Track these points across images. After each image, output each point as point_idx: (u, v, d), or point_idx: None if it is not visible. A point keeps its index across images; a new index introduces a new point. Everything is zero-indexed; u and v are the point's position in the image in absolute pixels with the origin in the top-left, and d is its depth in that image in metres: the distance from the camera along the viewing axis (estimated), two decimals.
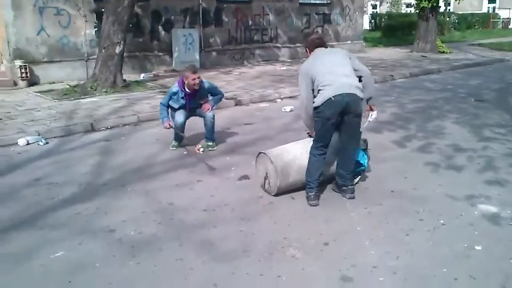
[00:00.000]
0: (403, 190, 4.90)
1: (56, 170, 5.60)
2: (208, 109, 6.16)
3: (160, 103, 6.21)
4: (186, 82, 5.93)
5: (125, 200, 4.71)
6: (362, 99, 4.41)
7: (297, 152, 4.76)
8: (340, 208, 4.47)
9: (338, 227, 4.08)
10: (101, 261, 3.54)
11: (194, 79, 5.85)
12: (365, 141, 4.99)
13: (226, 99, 9.35)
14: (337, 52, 4.66)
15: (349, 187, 4.67)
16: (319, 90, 4.33)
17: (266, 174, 4.78)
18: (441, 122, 7.76)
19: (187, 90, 5.98)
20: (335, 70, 4.36)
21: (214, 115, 6.27)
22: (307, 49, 4.70)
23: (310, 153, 4.59)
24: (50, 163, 5.86)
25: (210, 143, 6.34)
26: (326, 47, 4.72)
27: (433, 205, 4.52)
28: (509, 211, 4.37)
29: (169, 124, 6.02)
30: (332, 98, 4.24)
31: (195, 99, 6.11)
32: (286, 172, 4.64)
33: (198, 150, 6.17)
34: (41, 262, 3.54)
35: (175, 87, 6.06)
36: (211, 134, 6.35)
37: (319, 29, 17.57)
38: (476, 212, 4.37)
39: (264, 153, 4.81)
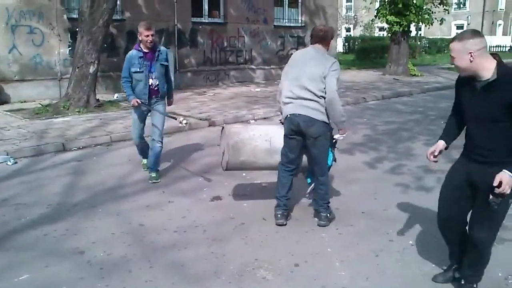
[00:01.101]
0: (374, 210, 4.96)
1: (25, 190, 5.50)
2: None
3: (122, 78, 5.63)
4: (140, 39, 5.52)
5: (96, 221, 4.65)
6: (323, 121, 4.32)
7: (257, 133, 4.66)
8: (311, 229, 4.50)
9: (309, 248, 4.10)
10: (68, 284, 3.48)
11: (148, 35, 5.42)
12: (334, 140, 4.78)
13: (200, 119, 9.41)
14: (314, 64, 4.33)
15: (322, 214, 4.59)
16: (283, 102, 4.49)
17: (224, 150, 4.73)
18: (411, 144, 7.92)
19: (144, 50, 5.55)
20: (297, 88, 4.35)
21: (162, 146, 5.86)
22: (311, 36, 4.57)
23: (279, 168, 4.63)
24: (18, 183, 5.75)
25: (153, 174, 5.85)
26: (328, 42, 4.51)
27: (403, 225, 4.58)
28: None
29: (137, 101, 5.59)
30: (289, 116, 4.38)
31: (155, 61, 5.60)
32: (237, 148, 4.56)
33: (181, 122, 5.68)
34: (5, 286, 3.45)
35: (130, 52, 5.64)
36: (155, 164, 5.88)
37: (293, 51, 17.81)
38: None
39: (223, 127, 4.83)
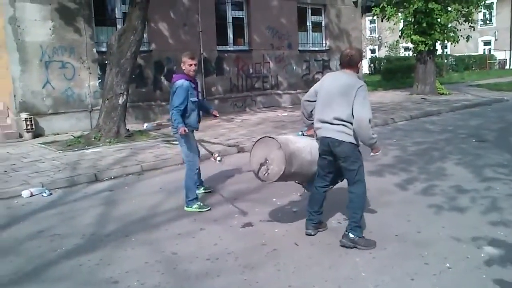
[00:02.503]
0: (407, 233, 4.87)
1: (59, 221, 5.61)
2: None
3: (176, 107, 5.52)
4: (183, 68, 5.64)
5: (129, 250, 4.70)
6: (349, 142, 4.45)
7: (300, 145, 4.80)
8: (344, 253, 4.44)
9: (343, 273, 4.04)
10: None
11: (191, 64, 5.60)
12: None
13: (229, 146, 9.48)
14: (342, 91, 4.43)
15: (345, 232, 4.59)
16: (316, 126, 4.71)
17: (266, 160, 4.69)
18: (442, 164, 7.78)
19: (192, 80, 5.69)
20: (326, 114, 4.52)
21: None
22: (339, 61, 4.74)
23: (314, 185, 4.88)
24: (53, 214, 5.88)
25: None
26: (356, 65, 4.58)
27: (438, 248, 4.48)
28: None
29: (185, 130, 5.52)
30: (320, 137, 4.65)
31: (198, 91, 5.85)
32: (291, 161, 4.64)
33: (215, 158, 5.87)
34: None
35: (182, 81, 5.57)
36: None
37: (319, 75, 17.87)
38: (482, 255, 4.32)
39: (272, 138, 4.76)
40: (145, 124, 12.51)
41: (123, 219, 5.62)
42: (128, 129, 10.79)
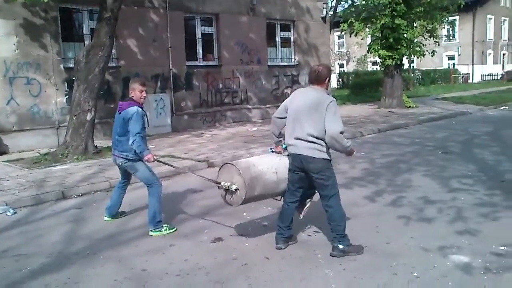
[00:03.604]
0: (376, 245, 4.93)
1: (24, 240, 5.45)
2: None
3: (137, 134, 5.30)
4: (132, 95, 5.46)
5: (97, 268, 4.60)
6: (322, 158, 4.52)
7: (263, 167, 4.83)
8: (314, 266, 4.46)
9: (314, 286, 4.06)
10: None
11: (142, 91, 5.46)
12: None
13: (199, 161, 9.43)
14: (312, 107, 4.49)
15: (334, 245, 4.67)
16: (287, 142, 4.77)
17: (229, 186, 4.77)
18: (410, 175, 7.93)
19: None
20: (297, 131, 4.59)
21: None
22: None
23: (283, 200, 4.93)
24: (18, 233, 5.71)
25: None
26: (323, 81, 4.62)
27: (407, 258, 4.55)
28: (480, 260, 4.43)
29: (153, 157, 5.44)
30: (291, 154, 4.71)
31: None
32: (252, 185, 4.69)
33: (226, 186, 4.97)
34: None
35: (135, 108, 5.36)
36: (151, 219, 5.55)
37: (288, 90, 18.03)
38: (448, 263, 4.42)
39: (232, 164, 4.83)
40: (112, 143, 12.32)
41: (92, 236, 5.51)
42: (96, 146, 10.64)
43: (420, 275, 4.18)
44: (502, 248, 4.72)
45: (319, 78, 4.63)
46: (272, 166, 4.86)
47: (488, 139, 11.40)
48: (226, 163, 4.98)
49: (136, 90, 5.47)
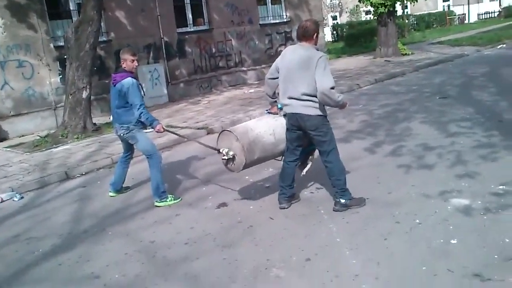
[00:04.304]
0: (378, 195, 5.01)
1: (34, 224, 5.55)
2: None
3: (141, 105, 5.35)
4: (125, 66, 5.50)
5: (107, 244, 4.71)
6: (317, 115, 4.52)
7: (260, 130, 4.87)
8: (318, 222, 4.56)
9: (318, 241, 4.15)
10: None
11: (133, 60, 5.48)
12: None
13: (198, 129, 9.46)
14: (302, 65, 4.47)
15: (336, 199, 4.76)
16: (282, 102, 4.77)
17: (228, 151, 4.83)
18: (408, 124, 7.95)
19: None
20: (290, 90, 4.59)
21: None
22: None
23: (283, 160, 4.98)
24: (27, 217, 5.81)
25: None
26: (311, 37, 4.55)
27: (408, 206, 4.64)
28: (479, 202, 4.52)
29: (163, 127, 5.51)
30: (287, 113, 4.72)
31: None
32: (251, 149, 4.75)
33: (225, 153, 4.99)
34: None
35: (130, 80, 5.38)
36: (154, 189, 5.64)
37: (282, 48, 17.84)
38: (449, 207, 4.51)
39: (229, 131, 4.88)
40: (111, 116, 12.31)
41: (98, 213, 5.61)
42: (95, 123, 10.64)
43: (422, 221, 4.26)
44: (501, 187, 4.80)
45: (306, 34, 4.57)
46: (269, 128, 4.89)
47: (485, 80, 11.33)
48: (224, 130, 5.02)
49: (127, 60, 5.49)
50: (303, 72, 4.46)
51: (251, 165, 4.98)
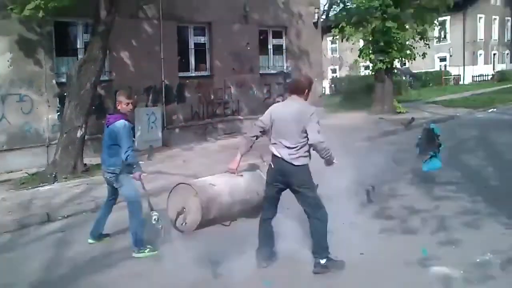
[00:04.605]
0: (359, 260, 4.91)
1: (5, 268, 5.41)
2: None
3: (128, 147, 5.35)
4: (119, 108, 5.59)
5: None
6: (303, 165, 4.56)
7: (219, 188, 4.72)
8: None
9: None
10: None
11: (128, 104, 5.58)
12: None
13: (188, 177, 9.42)
14: (295, 114, 4.56)
15: (316, 261, 4.68)
16: (272, 153, 4.69)
17: (183, 208, 4.53)
18: (396, 184, 7.97)
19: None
20: (279, 145, 4.61)
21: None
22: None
23: (261, 218, 4.85)
24: None
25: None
26: (303, 91, 4.66)
27: (388, 272, 4.61)
28: (461, 271, 4.49)
29: (141, 175, 5.52)
30: (272, 166, 4.66)
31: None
32: (208, 207, 4.54)
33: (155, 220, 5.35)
34: None
35: (122, 122, 5.45)
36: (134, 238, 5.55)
37: (280, 99, 18.04)
38: (429, 275, 4.48)
39: (187, 184, 4.63)
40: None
41: (74, 262, 5.44)
42: (86, 164, 10.62)
43: None
44: (482, 257, 4.77)
45: (298, 89, 4.68)
46: (227, 186, 4.72)
47: (474, 144, 11.50)
48: (180, 183, 4.82)
49: (122, 103, 5.58)
50: (295, 125, 4.53)
51: (205, 226, 4.75)
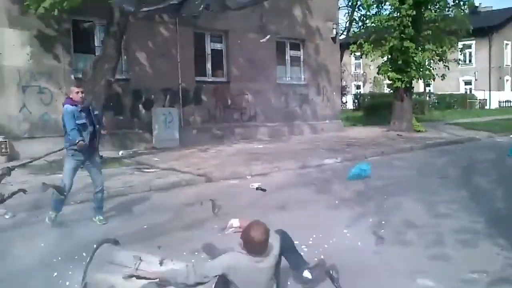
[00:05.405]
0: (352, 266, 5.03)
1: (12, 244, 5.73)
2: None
3: (71, 128, 6.16)
4: (72, 97, 6.25)
5: None
6: None
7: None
8: None
9: None
10: None
11: (78, 92, 6.24)
12: None
13: (198, 175, 9.66)
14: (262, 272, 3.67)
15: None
16: None
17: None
18: (401, 199, 8.00)
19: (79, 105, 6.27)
20: None
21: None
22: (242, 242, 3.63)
23: None
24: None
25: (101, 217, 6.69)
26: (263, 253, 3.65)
27: (374, 279, 4.67)
28: (445, 286, 4.53)
29: (83, 141, 6.17)
30: None
31: (92, 118, 6.43)
32: None
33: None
34: None
35: (66, 106, 6.23)
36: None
37: (297, 109, 18.23)
38: (413, 287, 4.53)
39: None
40: (121, 152, 12.68)
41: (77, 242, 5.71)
42: (102, 156, 10.92)
43: None
44: (471, 275, 4.80)
45: (262, 251, 3.65)
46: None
47: (488, 166, 11.41)
48: None
49: (73, 92, 6.31)
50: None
51: None
